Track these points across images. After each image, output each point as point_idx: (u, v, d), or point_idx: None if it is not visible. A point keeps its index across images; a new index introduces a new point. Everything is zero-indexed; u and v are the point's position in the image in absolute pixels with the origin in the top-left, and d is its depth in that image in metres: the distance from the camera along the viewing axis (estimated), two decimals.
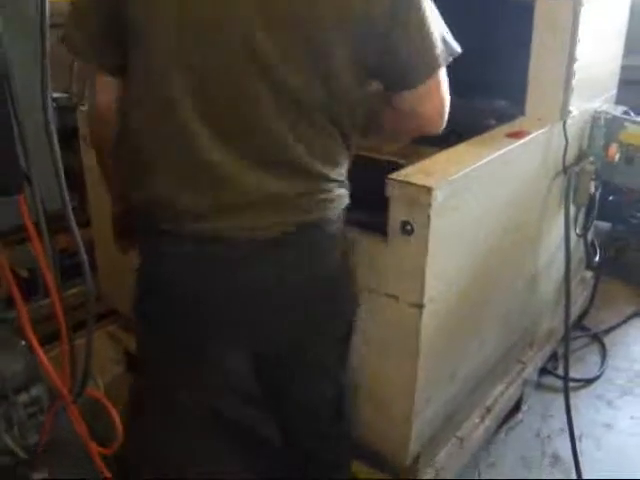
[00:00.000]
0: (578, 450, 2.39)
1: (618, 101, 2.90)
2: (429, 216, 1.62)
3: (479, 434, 2.31)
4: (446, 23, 1.49)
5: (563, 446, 2.47)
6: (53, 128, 1.23)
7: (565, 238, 2.36)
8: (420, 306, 1.72)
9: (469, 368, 2.18)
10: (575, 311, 3.12)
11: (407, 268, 1.71)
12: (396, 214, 1.68)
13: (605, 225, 3.53)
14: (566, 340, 2.50)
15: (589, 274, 3.23)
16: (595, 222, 3.17)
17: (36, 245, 1.26)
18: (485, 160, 1.84)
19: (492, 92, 2.41)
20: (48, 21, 1.20)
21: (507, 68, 2.33)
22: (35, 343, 1.37)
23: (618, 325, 3.30)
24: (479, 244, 1.97)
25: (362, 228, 1.83)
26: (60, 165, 1.24)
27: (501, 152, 1.92)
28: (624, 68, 2.92)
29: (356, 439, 2.02)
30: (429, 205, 1.61)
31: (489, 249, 2.04)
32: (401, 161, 1.77)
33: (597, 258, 3.09)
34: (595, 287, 3.16)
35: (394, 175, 1.67)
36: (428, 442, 2.05)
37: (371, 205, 1.76)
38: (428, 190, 1.60)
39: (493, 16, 2.44)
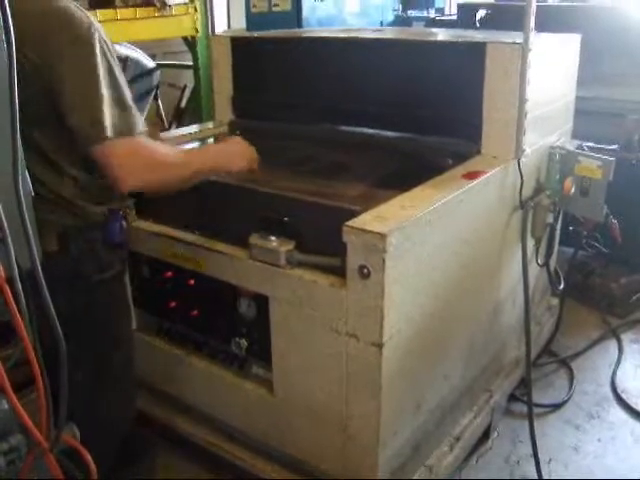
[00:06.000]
0: (546, 474, 2.51)
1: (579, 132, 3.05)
2: (384, 260, 1.71)
3: (448, 462, 2.38)
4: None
5: (532, 471, 2.53)
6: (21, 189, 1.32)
7: (523, 269, 2.46)
8: (380, 345, 1.81)
9: (435, 399, 2.26)
10: (543, 337, 3.22)
11: (366, 309, 1.81)
12: (353, 259, 1.78)
13: (571, 251, 3.63)
14: (527, 369, 2.59)
15: (555, 301, 3.32)
16: (562, 248, 3.29)
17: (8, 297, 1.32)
18: (439, 203, 1.94)
19: (451, 131, 2.51)
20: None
21: (465, 108, 2.45)
22: (11, 392, 1.43)
23: (585, 350, 3.40)
24: (437, 281, 2.06)
25: (323, 271, 1.93)
26: (28, 226, 1.32)
27: (456, 194, 2.02)
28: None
29: (327, 471, 2.12)
30: (384, 250, 1.70)
31: (447, 285, 2.13)
32: (354, 207, 1.87)
33: (561, 285, 3.19)
34: (561, 313, 3.25)
35: (350, 222, 1.77)
36: (397, 471, 2.13)
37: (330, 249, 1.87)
38: (382, 236, 1.69)
39: (449, 58, 2.54)
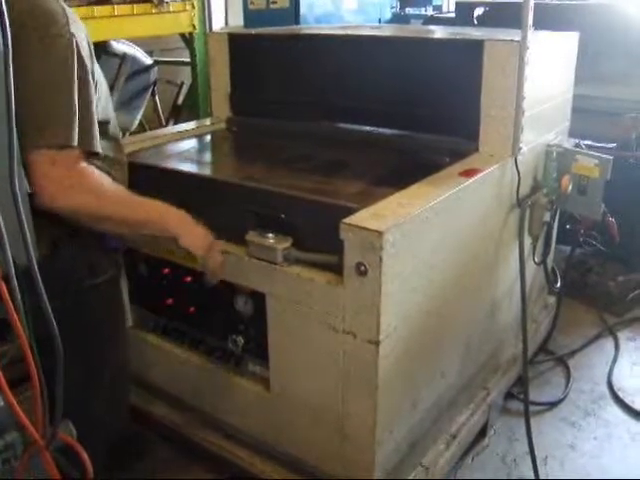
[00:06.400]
0: (542, 471, 2.51)
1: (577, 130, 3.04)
2: (381, 258, 1.71)
3: (445, 461, 2.37)
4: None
5: (529, 469, 2.53)
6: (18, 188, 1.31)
7: (520, 267, 2.46)
8: (376, 342, 1.81)
9: (431, 397, 2.26)
10: (539, 335, 3.23)
11: (363, 306, 1.80)
12: (350, 256, 1.77)
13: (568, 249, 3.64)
14: (524, 367, 2.58)
15: (552, 299, 3.32)
16: (559, 247, 3.29)
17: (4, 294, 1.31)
18: (436, 201, 1.93)
19: (448, 129, 2.50)
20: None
21: (462, 105, 2.44)
22: (7, 389, 1.42)
23: (582, 348, 3.40)
24: (434, 279, 2.06)
25: (320, 268, 1.93)
26: (25, 223, 1.32)
27: (453, 192, 2.02)
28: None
29: (324, 469, 2.11)
30: (381, 248, 1.70)
31: (445, 283, 2.13)
32: (352, 205, 1.86)
33: (558, 283, 3.19)
34: (558, 311, 3.25)
35: (347, 220, 1.77)
36: (393, 470, 2.13)
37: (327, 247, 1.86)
38: (379, 234, 1.69)
39: (447, 56, 2.53)
